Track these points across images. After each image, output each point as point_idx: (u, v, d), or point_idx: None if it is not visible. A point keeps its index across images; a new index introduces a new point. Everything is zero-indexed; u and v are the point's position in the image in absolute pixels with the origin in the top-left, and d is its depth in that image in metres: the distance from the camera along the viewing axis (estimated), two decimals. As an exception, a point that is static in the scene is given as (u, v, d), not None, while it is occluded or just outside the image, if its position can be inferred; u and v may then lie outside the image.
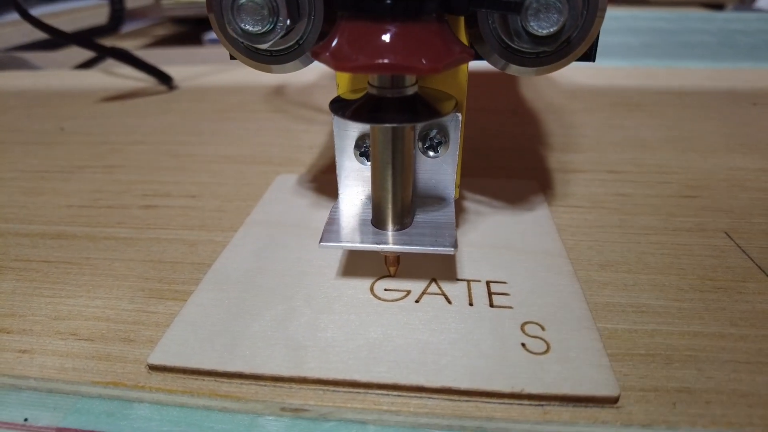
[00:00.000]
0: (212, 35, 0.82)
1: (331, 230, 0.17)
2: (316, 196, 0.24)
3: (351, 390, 0.14)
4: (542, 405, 0.14)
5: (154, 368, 0.15)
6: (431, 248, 0.16)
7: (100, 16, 0.72)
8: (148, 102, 0.40)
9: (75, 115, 0.38)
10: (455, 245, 0.16)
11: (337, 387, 0.14)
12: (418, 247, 0.16)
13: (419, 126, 0.17)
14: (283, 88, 0.43)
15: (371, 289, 0.17)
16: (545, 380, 0.14)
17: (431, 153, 0.18)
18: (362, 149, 0.18)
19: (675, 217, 0.22)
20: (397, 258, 0.18)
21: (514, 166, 0.27)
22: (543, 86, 0.42)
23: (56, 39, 0.39)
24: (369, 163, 0.18)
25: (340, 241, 0.16)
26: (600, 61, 0.50)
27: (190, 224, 0.22)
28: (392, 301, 0.17)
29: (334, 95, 0.17)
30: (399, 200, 0.16)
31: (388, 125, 0.15)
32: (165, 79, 0.42)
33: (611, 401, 0.14)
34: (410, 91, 0.15)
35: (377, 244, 0.16)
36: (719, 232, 0.21)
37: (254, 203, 0.24)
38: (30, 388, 0.15)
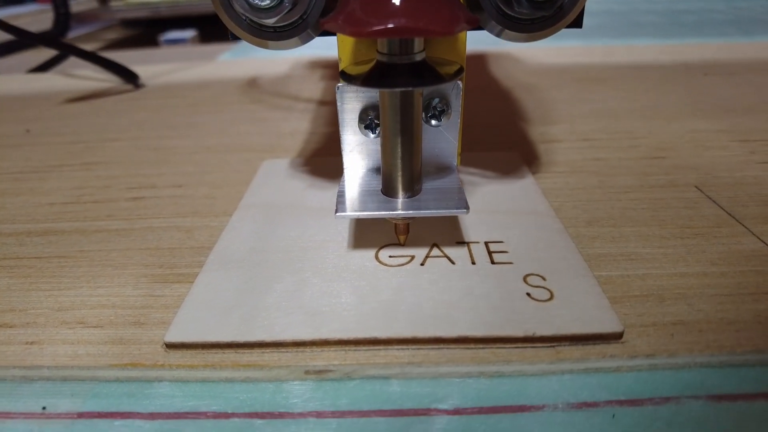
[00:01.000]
0: (169, 36, 0.80)
1: (344, 201, 0.17)
2: (306, 178, 0.24)
3: (372, 347, 0.14)
4: (554, 346, 0.14)
5: (171, 346, 0.15)
6: (445, 210, 0.17)
7: (44, 22, 0.69)
8: (116, 101, 0.39)
9: (39, 117, 0.36)
10: (467, 206, 0.17)
11: (358, 346, 0.15)
12: (432, 211, 0.17)
13: (424, 93, 0.18)
14: (255, 81, 0.42)
15: (376, 257, 0.18)
16: (554, 323, 0.15)
17: (433, 122, 0.18)
18: (366, 121, 0.18)
19: (649, 176, 0.24)
20: (407, 226, 0.18)
21: (493, 140, 0.28)
22: (510, 67, 0.44)
23: (11, 42, 0.38)
24: (373, 136, 0.18)
25: (356, 210, 0.17)
26: (560, 42, 0.52)
27: (183, 212, 0.22)
28: (398, 266, 0.17)
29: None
30: (410, 167, 0.17)
31: (400, 89, 0.15)
32: (131, 78, 0.41)
33: (616, 337, 0.15)
34: (419, 57, 0.15)
35: (393, 210, 0.17)
36: (690, 186, 0.23)
37: (244, 188, 0.24)
38: (43, 378, 0.15)
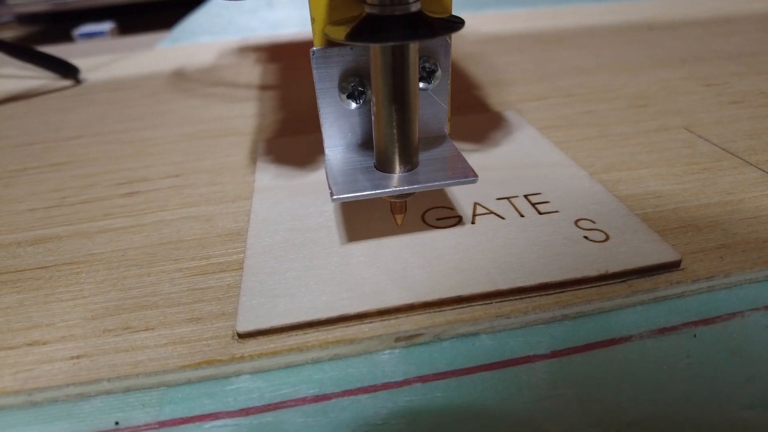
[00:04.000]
0: (84, 30, 0.73)
1: (338, 183, 0.15)
2: (310, 154, 0.23)
3: (456, 307, 0.14)
4: (625, 280, 0.15)
5: (244, 336, 0.14)
6: (453, 181, 0.15)
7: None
8: (59, 98, 0.35)
9: (-31, 122, 0.32)
10: (475, 174, 0.15)
11: (443, 307, 0.14)
12: (438, 183, 0.15)
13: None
14: (205, 67, 0.40)
15: (423, 220, 0.18)
16: (619, 260, 0.15)
17: (422, 84, 0.16)
18: (348, 90, 0.16)
19: (640, 123, 0.25)
20: (405, 204, 0.17)
21: (480, 102, 0.29)
22: (459, 37, 0.44)
23: None
24: (355, 106, 0.16)
25: (353, 192, 0.15)
26: (504, 9, 0.53)
27: (191, 201, 0.21)
28: (450, 227, 0.17)
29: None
30: (409, 137, 0.15)
31: (399, 43, 0.13)
32: (71, 72, 0.37)
33: (676, 265, 0.15)
34: (415, 7, 0.13)
35: (395, 187, 0.15)
36: (680, 129, 0.24)
37: (247, 171, 0.22)
38: (104, 392, 0.13)
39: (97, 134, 0.28)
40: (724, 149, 0.22)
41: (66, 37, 0.73)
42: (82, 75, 0.40)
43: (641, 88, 0.29)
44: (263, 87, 0.34)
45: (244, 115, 0.29)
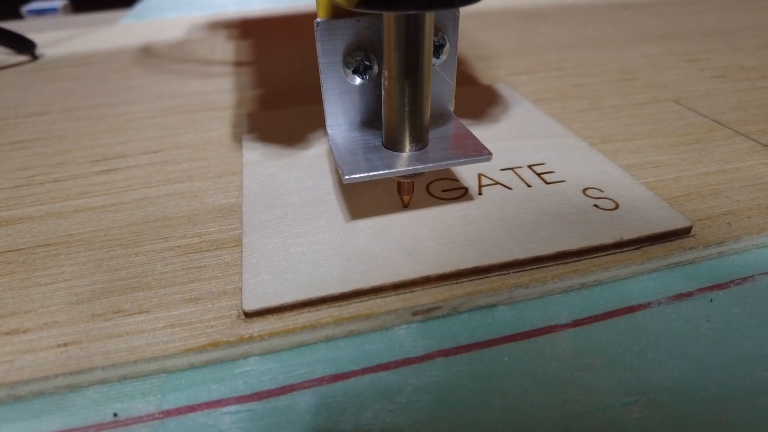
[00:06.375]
0: (34, 6, 0.69)
1: (348, 162, 0.14)
2: (298, 128, 0.22)
3: (474, 278, 0.14)
4: (639, 247, 0.15)
5: (251, 315, 0.13)
6: (467, 159, 0.15)
7: None
8: (15, 73, 0.32)
9: None
10: (489, 151, 0.15)
11: (460, 278, 0.14)
12: (452, 161, 0.14)
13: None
14: (175, 42, 0.38)
15: (428, 192, 0.17)
16: (633, 227, 0.15)
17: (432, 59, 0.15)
18: (354, 64, 0.15)
19: (630, 96, 0.25)
20: (413, 185, 0.16)
21: (470, 76, 0.28)
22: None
23: None
24: (360, 81, 0.16)
25: (366, 172, 0.14)
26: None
27: (174, 177, 0.19)
28: (456, 199, 0.17)
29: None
30: (421, 114, 0.14)
31: (416, 11, 0.12)
32: (26, 47, 0.34)
33: (687, 231, 0.15)
34: None
35: (408, 166, 0.14)
36: (669, 101, 0.24)
37: (232, 146, 0.21)
38: (97, 382, 0.12)
39: (64, 110, 0.26)
40: (715, 120, 0.22)
41: (14, 14, 0.68)
42: (39, 50, 0.37)
43: (627, 63, 0.29)
44: (238, 63, 0.33)
45: (221, 89, 0.28)
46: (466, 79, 0.28)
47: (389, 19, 0.13)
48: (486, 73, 0.28)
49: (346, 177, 0.14)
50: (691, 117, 0.23)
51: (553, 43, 0.33)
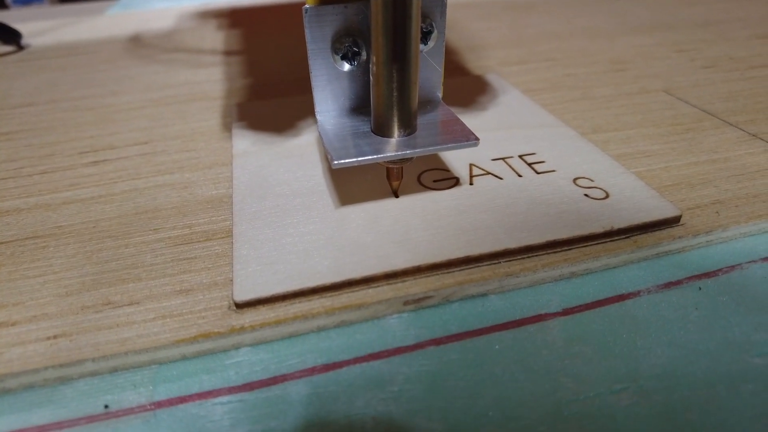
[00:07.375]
0: (18, -7, 0.67)
1: (337, 148, 0.14)
2: (291, 118, 0.22)
3: (465, 267, 0.14)
4: (630, 236, 0.15)
5: (242, 306, 0.13)
6: (455, 144, 0.15)
7: None
8: (1, 64, 0.32)
9: None
10: (477, 137, 0.15)
11: (451, 267, 0.14)
12: (440, 146, 0.15)
13: None
14: (164, 32, 0.37)
15: (420, 182, 0.17)
16: (623, 216, 0.15)
17: (420, 45, 0.15)
18: (342, 51, 0.15)
19: (621, 86, 0.25)
20: (402, 171, 0.16)
21: (461, 66, 0.28)
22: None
23: None
24: (349, 67, 0.16)
25: (355, 157, 0.14)
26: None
27: (164, 169, 0.19)
28: (448, 188, 0.17)
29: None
30: (409, 99, 0.14)
31: None
32: (12, 37, 0.34)
33: (676, 220, 0.15)
34: None
35: (397, 151, 0.14)
36: (659, 91, 0.25)
37: (222, 136, 0.21)
38: (88, 374, 0.12)
39: (51, 101, 0.26)
40: (704, 111, 0.22)
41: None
42: (25, 40, 0.36)
43: (618, 53, 0.29)
44: (228, 52, 0.32)
45: (211, 80, 0.28)
46: (456, 69, 0.28)
47: (377, 3, 0.13)
48: (477, 63, 0.28)
49: (335, 162, 0.14)
50: (681, 107, 0.23)
51: (544, 34, 0.33)
